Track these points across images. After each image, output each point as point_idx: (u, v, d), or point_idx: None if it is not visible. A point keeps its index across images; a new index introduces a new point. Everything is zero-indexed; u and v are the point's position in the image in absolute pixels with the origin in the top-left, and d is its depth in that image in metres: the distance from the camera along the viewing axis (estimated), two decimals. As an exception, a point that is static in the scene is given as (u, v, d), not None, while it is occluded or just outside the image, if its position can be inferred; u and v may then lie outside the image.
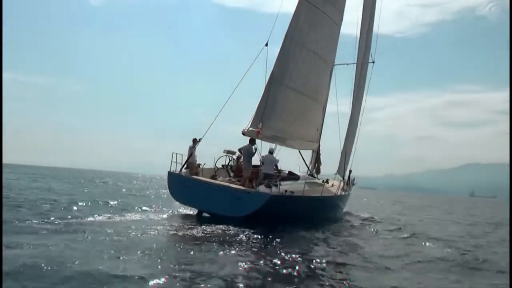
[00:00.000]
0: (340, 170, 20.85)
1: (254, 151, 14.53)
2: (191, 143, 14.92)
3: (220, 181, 14.28)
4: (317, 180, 17.98)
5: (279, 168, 15.23)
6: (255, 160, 15.08)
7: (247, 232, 10.69)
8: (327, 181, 19.86)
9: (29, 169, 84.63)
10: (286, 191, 13.09)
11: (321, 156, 21.32)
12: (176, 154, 14.23)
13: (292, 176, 15.16)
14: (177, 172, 14.15)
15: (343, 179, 20.09)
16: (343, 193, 18.25)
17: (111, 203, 17.60)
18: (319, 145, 20.95)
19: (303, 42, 16.01)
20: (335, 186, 18.05)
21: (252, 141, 14.58)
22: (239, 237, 10.20)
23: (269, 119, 15.02)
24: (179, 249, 8.58)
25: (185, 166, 14.45)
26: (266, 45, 15.38)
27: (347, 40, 23.30)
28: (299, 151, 20.30)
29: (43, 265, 6.24)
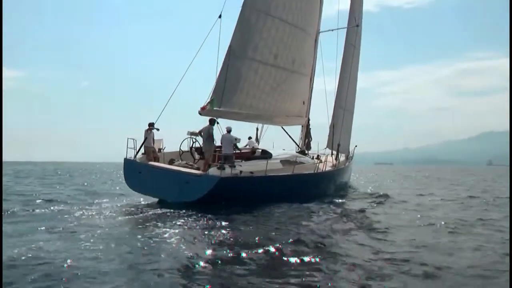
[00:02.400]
0: (329, 144, 19.58)
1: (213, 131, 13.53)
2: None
3: (177, 165, 13.09)
4: (303, 157, 16.65)
5: (238, 146, 14.01)
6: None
7: (195, 216, 10.07)
8: (317, 157, 18.55)
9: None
10: (241, 172, 12.07)
11: (311, 131, 20.25)
12: (133, 139, 13.14)
13: (262, 156, 13.87)
14: (132, 158, 13.02)
15: (332, 153, 18.80)
16: (330, 169, 16.85)
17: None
18: (308, 119, 19.73)
19: (267, 9, 14.57)
20: (328, 162, 16.71)
21: (212, 122, 13.56)
22: (182, 220, 9.63)
23: (233, 96, 13.95)
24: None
25: (143, 151, 13.34)
26: (220, 17, 13.99)
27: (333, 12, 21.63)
28: (282, 127, 19.09)
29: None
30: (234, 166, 11.96)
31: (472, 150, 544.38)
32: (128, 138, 13.08)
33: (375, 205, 14.23)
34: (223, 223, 9.23)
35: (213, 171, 11.80)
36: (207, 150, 13.29)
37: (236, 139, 13.14)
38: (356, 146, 23.17)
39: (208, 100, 13.15)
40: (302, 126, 20.09)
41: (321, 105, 21.39)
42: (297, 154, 17.11)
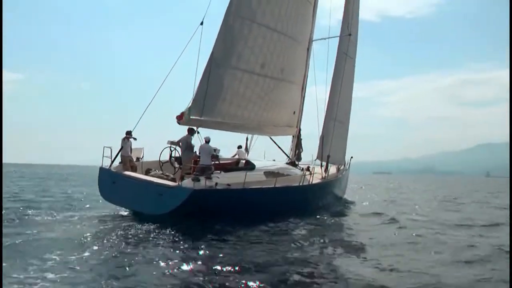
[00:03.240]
0: (319, 156, 19.04)
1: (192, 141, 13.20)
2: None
3: (153, 175, 12.57)
4: (292, 169, 16.08)
5: (218, 156, 13.51)
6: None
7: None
8: (307, 169, 18.03)
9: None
10: (216, 184, 11.50)
11: (302, 142, 19.73)
12: (109, 148, 12.72)
13: (244, 167, 13.34)
14: (108, 167, 12.52)
15: (321, 165, 18.23)
16: (318, 181, 16.26)
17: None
18: (299, 130, 19.21)
19: (252, 17, 14.11)
20: (317, 174, 16.11)
21: (191, 131, 13.12)
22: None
23: (215, 105, 13.46)
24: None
25: (119, 160, 12.89)
26: (201, 24, 13.57)
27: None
28: (270, 138, 18.59)
29: None
30: (211, 178, 11.43)
31: (470, 161, 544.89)
32: (104, 147, 12.64)
33: (369, 227, 13.07)
34: (182, 245, 8.75)
35: (187, 182, 11.29)
36: (185, 161, 12.81)
37: (215, 150, 12.64)
38: (352, 157, 22.56)
39: (186, 108, 12.64)
40: (293, 136, 19.59)
41: (316, 115, 20.91)
42: (286, 165, 16.55)
